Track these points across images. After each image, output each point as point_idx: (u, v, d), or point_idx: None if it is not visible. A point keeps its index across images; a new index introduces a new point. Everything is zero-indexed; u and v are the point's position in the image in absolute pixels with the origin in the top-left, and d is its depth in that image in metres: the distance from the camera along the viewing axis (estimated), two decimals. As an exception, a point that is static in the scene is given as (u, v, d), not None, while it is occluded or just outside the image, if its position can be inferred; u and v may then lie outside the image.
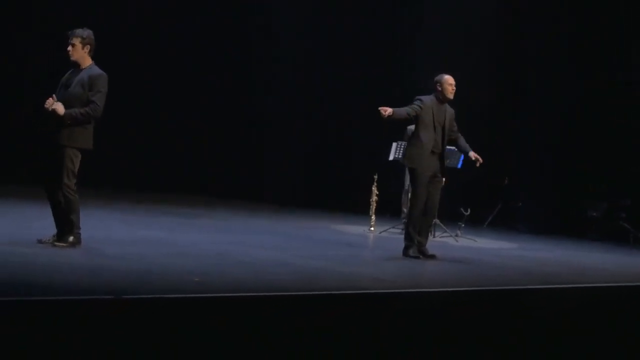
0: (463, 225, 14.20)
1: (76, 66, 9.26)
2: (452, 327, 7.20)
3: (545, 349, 6.91)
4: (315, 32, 18.74)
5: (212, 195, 17.48)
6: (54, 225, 9.23)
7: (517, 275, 11.00)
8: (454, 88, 11.08)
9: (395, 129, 13.97)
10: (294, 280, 8.84)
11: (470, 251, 12.72)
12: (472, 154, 11.22)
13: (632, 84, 17.39)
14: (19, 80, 16.82)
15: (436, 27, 18.10)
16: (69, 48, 9.21)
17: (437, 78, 11.13)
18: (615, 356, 7.01)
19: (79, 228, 9.18)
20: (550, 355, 6.80)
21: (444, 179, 11.22)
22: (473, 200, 15.48)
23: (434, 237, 13.28)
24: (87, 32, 9.26)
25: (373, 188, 13.97)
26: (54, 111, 9.00)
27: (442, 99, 11.06)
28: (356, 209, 15.60)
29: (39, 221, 10.16)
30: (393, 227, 14.08)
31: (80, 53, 9.21)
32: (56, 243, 9.10)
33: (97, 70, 9.24)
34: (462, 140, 11.37)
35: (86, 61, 9.25)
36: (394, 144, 13.82)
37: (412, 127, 12.49)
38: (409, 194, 12.30)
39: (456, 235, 14.01)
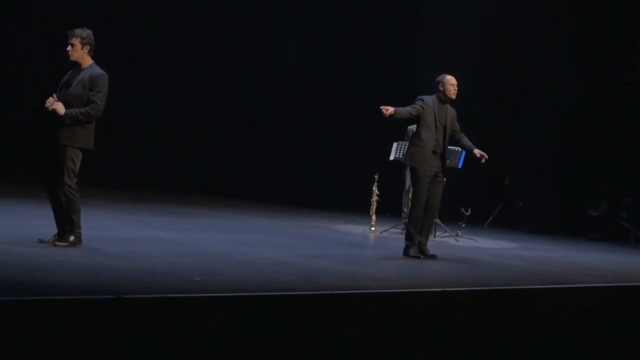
0: (464, 225, 14.20)
1: (76, 66, 9.26)
2: (453, 327, 7.21)
3: (547, 348, 6.91)
4: (315, 32, 18.74)
5: (213, 195, 17.47)
6: (54, 225, 9.23)
7: (518, 275, 11.01)
8: (456, 88, 11.09)
9: (395, 128, 13.98)
10: (294, 280, 8.84)
11: (470, 251, 12.72)
12: (477, 151, 11.21)
13: (632, 84, 17.39)
14: (19, 80, 16.82)
15: (436, 27, 18.11)
16: (69, 48, 9.20)
17: (439, 78, 11.13)
18: (617, 356, 7.00)
19: (80, 227, 9.18)
20: (551, 355, 6.79)
21: (444, 179, 11.23)
22: (474, 200, 15.49)
23: (434, 237, 13.28)
24: (86, 32, 9.25)
25: (373, 188, 13.96)
26: (54, 111, 9.00)
27: (444, 99, 11.07)
28: (357, 208, 15.60)
29: (39, 220, 10.16)
30: (394, 227, 14.07)
31: (80, 53, 9.21)
32: (57, 242, 9.10)
33: (98, 70, 9.23)
34: (465, 139, 11.36)
35: (86, 61, 9.25)
36: (395, 144, 13.81)
37: (412, 127, 12.50)
38: (410, 194, 12.31)
39: (457, 235, 14.01)
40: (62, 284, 7.37)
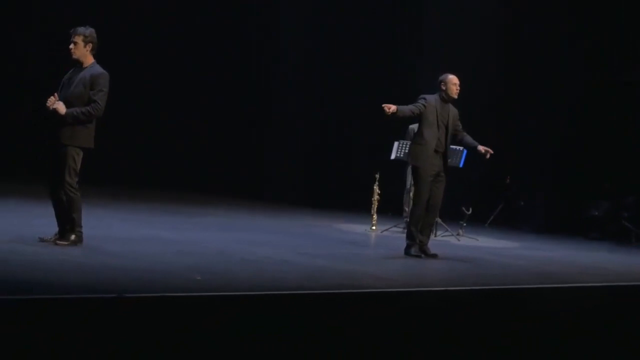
0: (465, 224, 14.20)
1: (78, 64, 9.25)
2: (454, 326, 7.20)
3: (547, 348, 6.90)
4: (315, 32, 18.75)
5: (213, 193, 17.46)
6: (55, 224, 9.22)
7: (519, 275, 11.01)
8: (459, 88, 11.10)
9: (396, 128, 13.98)
10: (296, 279, 8.85)
11: (471, 250, 12.72)
12: (481, 147, 11.20)
13: (632, 84, 17.40)
14: (19, 80, 16.81)
15: (436, 27, 18.12)
16: (71, 46, 9.19)
17: (441, 77, 11.13)
18: (617, 356, 6.99)
19: (81, 226, 9.18)
20: (552, 354, 6.79)
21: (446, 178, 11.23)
22: (475, 200, 15.49)
23: (435, 236, 13.28)
24: (89, 31, 9.25)
25: (375, 187, 13.96)
26: (55, 110, 9.00)
27: (446, 98, 11.07)
28: (358, 208, 15.60)
29: (40, 219, 10.15)
30: (395, 226, 14.08)
31: (82, 51, 9.20)
32: (58, 241, 9.10)
33: (98, 69, 9.22)
34: (468, 137, 11.36)
35: (88, 60, 9.24)
36: (396, 143, 13.81)
37: (414, 126, 12.51)
38: (411, 193, 12.31)
39: (458, 234, 14.00)
40: (63, 283, 7.37)
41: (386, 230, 13.93)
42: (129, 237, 10.69)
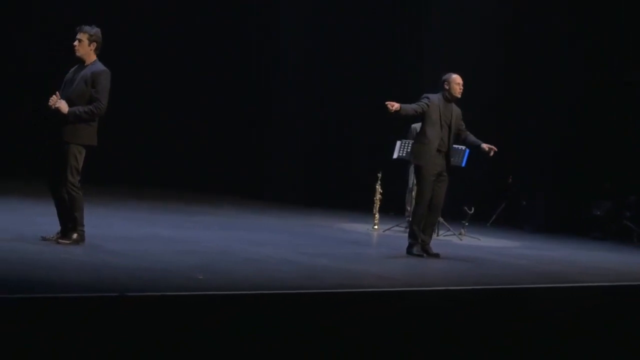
0: (467, 223, 14.20)
1: (80, 62, 9.24)
2: (456, 326, 7.19)
3: (549, 348, 6.89)
4: (315, 32, 18.75)
5: (213, 193, 17.47)
6: (57, 223, 9.22)
7: (521, 274, 10.99)
8: (462, 87, 11.09)
9: (397, 127, 13.98)
10: (297, 278, 8.84)
11: (473, 250, 12.72)
12: (485, 145, 11.19)
13: (632, 84, 17.41)
14: (19, 80, 16.80)
15: (436, 27, 18.13)
16: (75, 43, 9.19)
17: (445, 77, 11.13)
18: (619, 355, 6.99)
19: (83, 225, 9.17)
20: (553, 354, 6.78)
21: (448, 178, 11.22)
22: (477, 199, 15.49)
23: (437, 235, 13.28)
24: (94, 30, 9.25)
25: (377, 186, 13.96)
26: (57, 109, 8.99)
27: (449, 97, 11.06)
28: (359, 207, 15.60)
29: (42, 218, 10.15)
30: (397, 226, 14.08)
31: (86, 49, 9.19)
32: (60, 240, 9.09)
33: (100, 66, 9.20)
34: (471, 136, 11.35)
35: (91, 58, 9.23)
36: (398, 142, 13.81)
37: (416, 126, 12.51)
38: (413, 192, 12.31)
39: (460, 234, 14.00)
40: (65, 282, 7.36)
41: (388, 229, 13.93)
42: (130, 236, 10.70)
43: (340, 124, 18.67)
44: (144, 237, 10.73)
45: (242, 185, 18.42)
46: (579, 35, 17.67)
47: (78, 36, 9.21)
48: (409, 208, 13.49)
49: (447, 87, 11.06)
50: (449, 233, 13.96)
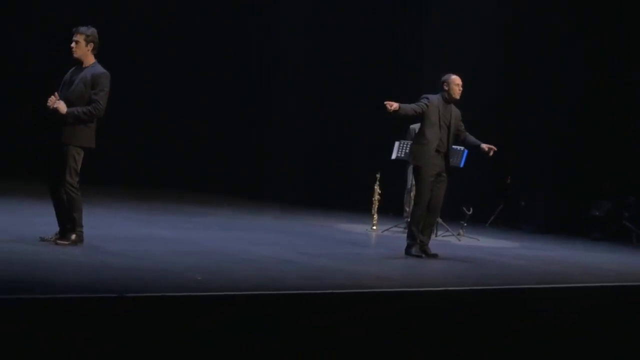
0: (465, 224, 14.19)
1: (79, 63, 9.25)
2: (455, 326, 7.20)
3: (548, 348, 6.90)
4: (315, 32, 18.76)
5: (213, 193, 17.47)
6: (56, 223, 9.22)
7: (520, 275, 11.01)
8: (461, 88, 11.09)
9: (396, 128, 13.98)
10: (296, 279, 8.86)
11: (472, 250, 12.72)
12: (485, 145, 11.19)
13: (632, 84, 17.41)
14: (19, 80, 16.80)
15: (436, 27, 18.13)
16: (73, 45, 9.19)
17: (444, 78, 11.13)
18: (618, 356, 6.99)
19: (82, 226, 9.18)
20: (553, 354, 6.79)
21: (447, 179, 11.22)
22: (476, 200, 15.49)
23: (436, 236, 13.27)
24: (91, 30, 9.25)
25: (375, 187, 13.96)
26: (56, 110, 8.99)
27: (448, 98, 11.06)
28: (358, 208, 15.60)
29: (41, 219, 10.15)
30: (395, 226, 14.08)
31: (84, 50, 9.20)
32: (58, 241, 9.09)
33: (100, 68, 9.22)
34: (470, 137, 11.36)
35: (89, 59, 9.23)
36: (397, 143, 13.81)
37: (414, 126, 12.52)
38: (412, 193, 12.31)
39: (458, 235, 14.00)
40: (63, 282, 7.37)
41: (387, 230, 13.93)
42: (129, 236, 10.70)
43: (340, 124, 18.67)
44: (143, 238, 10.73)
45: (242, 185, 18.41)
46: (579, 35, 17.67)
47: (75, 37, 9.21)
48: (407, 209, 13.49)
49: (446, 88, 11.06)
50: (447, 233, 13.96)
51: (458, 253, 12.10)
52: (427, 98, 11.03)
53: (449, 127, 11.04)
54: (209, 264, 9.08)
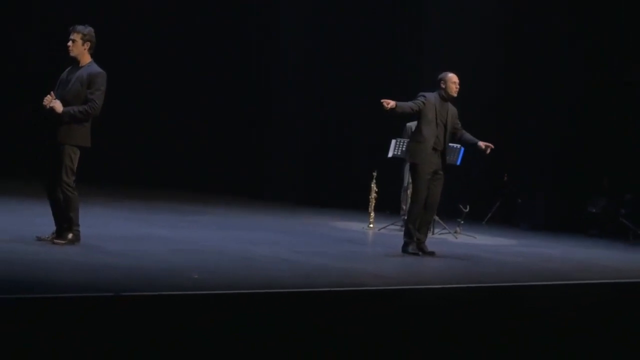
0: (462, 222, 14.19)
1: (75, 63, 9.26)
2: (452, 324, 7.20)
3: (546, 345, 6.90)
4: (315, 32, 18.77)
5: (213, 193, 17.49)
6: (53, 223, 9.22)
7: (517, 272, 11.02)
8: (458, 86, 11.09)
9: (396, 127, 13.99)
10: (293, 277, 8.85)
11: (469, 248, 12.72)
12: (482, 143, 11.19)
13: (632, 84, 17.42)
14: (19, 80, 16.82)
15: (436, 27, 18.14)
16: (69, 43, 9.20)
17: (441, 76, 11.13)
18: (616, 353, 7.00)
19: (78, 225, 9.17)
20: (551, 352, 6.79)
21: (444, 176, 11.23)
22: (472, 197, 15.50)
23: (433, 233, 13.28)
24: (88, 29, 9.26)
25: (372, 185, 13.97)
26: (52, 109, 9.00)
27: (445, 96, 11.06)
28: (356, 206, 15.61)
29: (38, 218, 10.16)
30: (392, 224, 14.09)
31: (80, 49, 9.21)
32: (55, 240, 9.09)
33: (96, 68, 9.22)
34: (467, 135, 11.36)
35: (85, 58, 9.24)
36: (393, 141, 13.81)
37: (411, 124, 12.53)
38: (409, 191, 12.32)
39: (455, 232, 14.02)
40: (60, 282, 7.37)
41: (384, 228, 13.95)
42: (127, 235, 10.69)
43: (340, 124, 18.68)
44: (140, 237, 10.73)
45: (242, 185, 18.43)
46: (579, 35, 17.68)
47: (71, 36, 9.22)
48: (404, 206, 13.50)
49: (443, 86, 11.06)
50: (444, 231, 13.98)
51: (455, 251, 12.10)
52: (424, 96, 11.03)
53: (445, 125, 11.05)
54: (207, 263, 9.08)
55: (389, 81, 17.65)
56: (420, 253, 10.98)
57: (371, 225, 14.00)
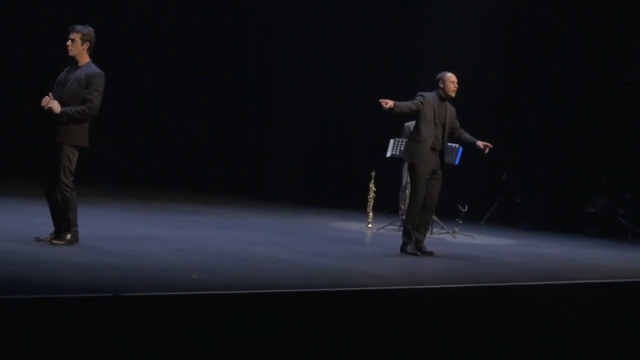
0: (461, 221, 14.19)
1: (74, 62, 9.25)
2: (451, 324, 7.19)
3: (545, 345, 6.90)
4: (315, 32, 18.78)
5: (213, 193, 17.49)
6: (51, 223, 9.22)
7: (515, 272, 11.01)
8: (456, 86, 11.08)
9: (395, 128, 13.99)
10: (292, 277, 8.84)
11: (468, 248, 12.72)
12: (480, 143, 11.18)
13: (632, 84, 17.43)
14: (19, 80, 16.83)
15: (436, 27, 18.15)
16: (68, 43, 9.19)
17: (439, 75, 11.12)
18: (615, 352, 7.00)
19: (77, 226, 9.15)
20: (550, 352, 6.78)
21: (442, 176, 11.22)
22: (471, 197, 15.51)
23: (431, 233, 13.30)
24: (87, 29, 9.25)
25: (370, 185, 13.98)
26: (50, 110, 9.00)
27: (444, 96, 11.05)
28: (355, 206, 15.62)
29: (41, 219, 10.14)
30: (391, 224, 14.10)
31: (79, 49, 9.20)
32: (54, 241, 9.07)
33: (94, 68, 9.21)
34: (465, 134, 11.36)
35: (84, 58, 9.23)
36: (392, 141, 13.82)
37: (409, 124, 12.54)
38: (407, 191, 12.32)
39: (454, 232, 14.02)
40: (59, 282, 7.35)
41: (382, 228, 13.96)
42: (126, 236, 10.69)
43: (340, 124, 18.69)
44: (140, 237, 10.72)
45: (242, 185, 18.44)
46: (579, 35, 17.67)
47: (71, 36, 9.21)
48: (402, 206, 13.50)
49: (441, 85, 11.06)
50: (443, 231, 13.99)
51: (453, 250, 12.10)
52: (422, 96, 11.03)
53: (444, 125, 11.05)
54: (207, 263, 9.07)
55: (389, 81, 17.65)
56: (418, 253, 10.97)
57: (370, 225, 14.01)
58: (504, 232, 15.68)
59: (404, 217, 11.64)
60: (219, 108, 18.91)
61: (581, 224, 16.71)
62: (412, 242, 10.99)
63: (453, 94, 11.08)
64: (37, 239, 9.15)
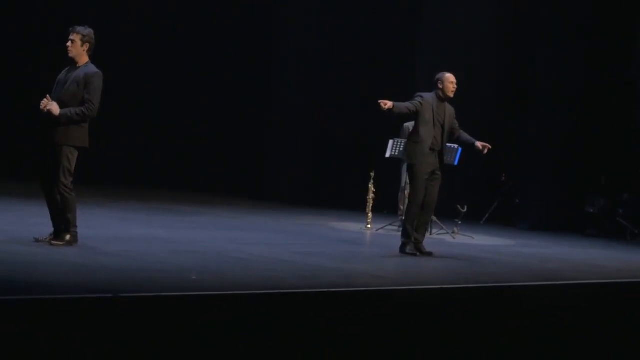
0: (460, 222, 14.18)
1: (73, 63, 9.26)
2: (450, 325, 7.20)
3: (544, 345, 6.91)
4: (315, 32, 18.76)
5: (212, 193, 17.49)
6: (50, 224, 9.22)
7: (515, 272, 11.02)
8: (455, 86, 11.08)
9: (395, 128, 13.99)
10: (291, 278, 8.85)
11: (467, 248, 12.73)
12: (479, 143, 11.18)
13: (632, 84, 17.42)
14: (19, 80, 16.83)
15: (436, 27, 18.13)
16: (68, 44, 9.20)
17: (438, 76, 11.13)
18: (614, 352, 7.00)
19: (76, 226, 9.16)
20: (549, 351, 6.80)
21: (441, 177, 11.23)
22: (470, 197, 15.50)
23: (430, 234, 13.30)
24: (87, 31, 9.26)
25: (370, 185, 13.98)
26: (49, 111, 9.00)
27: (442, 96, 11.06)
28: (354, 206, 15.62)
29: (40, 220, 10.15)
30: (390, 224, 14.09)
31: (79, 50, 9.20)
32: (53, 242, 9.08)
33: (93, 68, 9.21)
34: (464, 135, 11.36)
35: (83, 59, 9.24)
36: (391, 141, 13.82)
37: (408, 125, 12.53)
38: (406, 191, 12.33)
39: (453, 232, 14.02)
40: (58, 283, 7.36)
41: (381, 228, 13.96)
42: (125, 236, 10.71)
43: (340, 124, 18.68)
44: (139, 238, 10.74)
45: (241, 185, 18.44)
46: (579, 35, 17.66)
47: (71, 37, 9.22)
48: (402, 207, 13.49)
49: (440, 86, 11.06)
50: (442, 231, 13.98)
51: (453, 251, 12.11)
52: (421, 96, 11.03)
53: (442, 125, 11.05)
54: (206, 264, 9.08)
55: (389, 81, 17.65)
56: (418, 253, 10.98)
57: (369, 226, 14.02)
58: (504, 233, 15.68)
59: (403, 218, 11.65)
60: (219, 108, 18.91)
61: (580, 224, 16.71)
62: (412, 243, 10.99)
63: (452, 95, 11.08)
64: (37, 240, 9.16)
